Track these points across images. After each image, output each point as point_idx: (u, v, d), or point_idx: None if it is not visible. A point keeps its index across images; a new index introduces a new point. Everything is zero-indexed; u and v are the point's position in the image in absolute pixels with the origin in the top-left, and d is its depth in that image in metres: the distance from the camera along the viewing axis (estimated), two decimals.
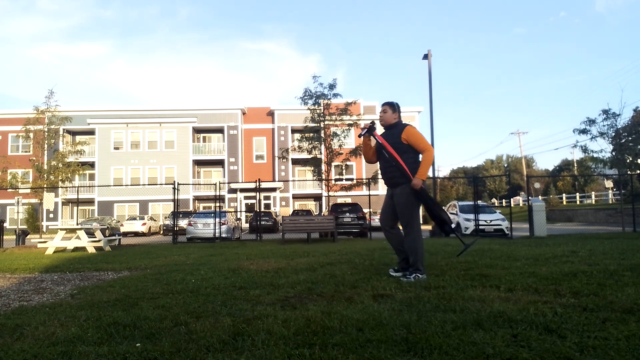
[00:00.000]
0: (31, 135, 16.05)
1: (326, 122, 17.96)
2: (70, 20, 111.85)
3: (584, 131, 16.86)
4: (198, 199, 37.75)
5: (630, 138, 16.95)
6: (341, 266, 5.70)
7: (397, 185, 4.54)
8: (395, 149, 4.44)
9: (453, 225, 4.80)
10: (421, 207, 4.69)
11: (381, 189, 36.95)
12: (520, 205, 41.00)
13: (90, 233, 12.42)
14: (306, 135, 18.78)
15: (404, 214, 4.50)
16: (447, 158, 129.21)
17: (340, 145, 17.90)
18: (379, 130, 4.56)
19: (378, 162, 4.72)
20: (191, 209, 34.02)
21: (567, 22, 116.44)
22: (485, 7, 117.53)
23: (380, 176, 16.89)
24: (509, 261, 5.93)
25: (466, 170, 78.50)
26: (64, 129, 24.87)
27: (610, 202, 34.07)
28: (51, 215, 35.27)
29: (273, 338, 2.42)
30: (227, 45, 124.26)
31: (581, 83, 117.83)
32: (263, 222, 20.70)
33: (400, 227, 4.67)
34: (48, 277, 5.86)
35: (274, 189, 36.91)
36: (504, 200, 54.85)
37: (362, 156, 4.79)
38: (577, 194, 42.17)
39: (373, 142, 4.70)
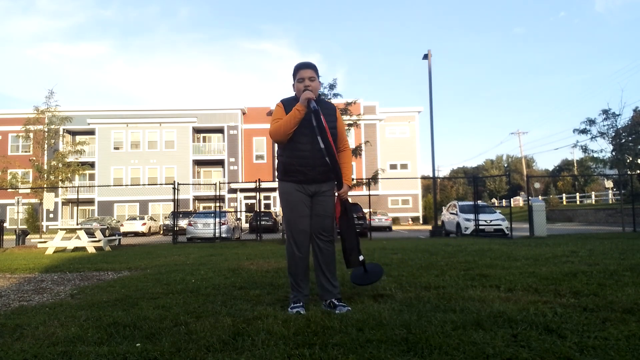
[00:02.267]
0: (31, 135, 16.03)
1: None
2: (70, 20, 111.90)
3: (584, 131, 16.89)
4: (198, 199, 37.73)
5: (630, 138, 16.96)
6: (341, 266, 5.70)
7: (327, 180, 3.31)
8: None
9: (361, 258, 3.51)
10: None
11: (381, 188, 37.02)
12: (521, 205, 41.01)
13: (90, 233, 12.42)
14: None
15: (333, 218, 3.35)
16: (447, 158, 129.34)
17: None
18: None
19: (293, 144, 3.20)
20: (191, 209, 34.02)
21: (567, 22, 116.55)
22: (485, 7, 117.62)
23: (380, 175, 17.00)
24: (509, 261, 5.94)
25: (466, 170, 78.52)
26: (64, 129, 24.87)
27: (610, 202, 34.08)
28: (51, 215, 35.26)
29: (273, 338, 2.41)
30: (227, 45, 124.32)
31: (581, 83, 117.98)
32: (263, 222, 20.70)
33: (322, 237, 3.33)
34: (48, 277, 5.86)
35: (274, 189, 36.88)
36: (504, 200, 54.85)
37: (276, 132, 3.15)
38: (577, 194, 42.18)
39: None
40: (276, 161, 3.37)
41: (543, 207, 14.30)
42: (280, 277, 4.88)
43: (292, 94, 3.43)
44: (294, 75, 3.31)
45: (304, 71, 3.26)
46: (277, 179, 3.37)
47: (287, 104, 3.24)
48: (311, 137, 3.19)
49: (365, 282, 3.68)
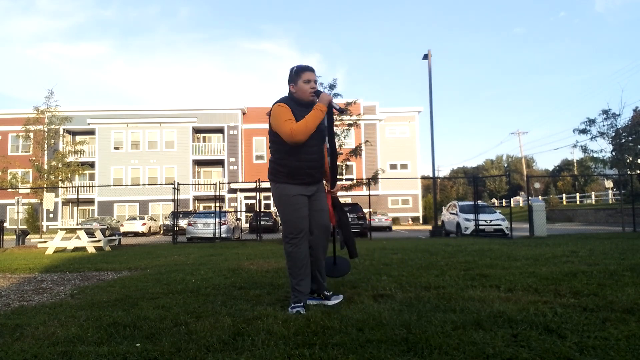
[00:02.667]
0: (31, 135, 16.03)
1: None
2: (70, 20, 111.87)
3: (584, 131, 16.88)
4: (198, 199, 37.73)
5: (630, 138, 16.95)
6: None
7: (322, 179, 3.48)
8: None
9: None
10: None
11: (381, 188, 36.99)
12: (520, 205, 41.01)
13: (90, 233, 12.41)
14: None
15: (327, 212, 3.53)
16: (447, 158, 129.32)
17: (340, 145, 17.85)
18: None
19: (308, 145, 3.20)
20: (191, 209, 34.01)
21: (567, 22, 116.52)
22: (485, 7, 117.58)
23: (380, 175, 16.99)
24: (509, 261, 5.94)
25: (466, 170, 78.53)
26: (64, 129, 24.86)
27: (610, 202, 34.07)
28: (51, 215, 35.26)
29: (273, 338, 2.42)
30: (227, 45, 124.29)
31: (581, 83, 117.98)
32: (263, 222, 20.69)
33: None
34: (48, 277, 5.86)
35: None
36: (504, 200, 54.84)
37: (302, 131, 3.06)
38: (577, 194, 42.17)
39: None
40: (273, 165, 3.29)
41: (543, 207, 14.30)
42: (280, 277, 4.88)
43: (285, 94, 3.35)
44: (298, 75, 3.25)
45: (311, 74, 3.25)
46: (275, 182, 3.30)
47: (289, 105, 3.20)
48: (318, 140, 3.25)
49: (333, 274, 3.79)
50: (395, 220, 35.07)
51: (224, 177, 37.53)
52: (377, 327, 2.55)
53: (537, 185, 48.51)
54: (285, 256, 3.30)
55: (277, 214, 24.22)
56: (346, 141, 18.38)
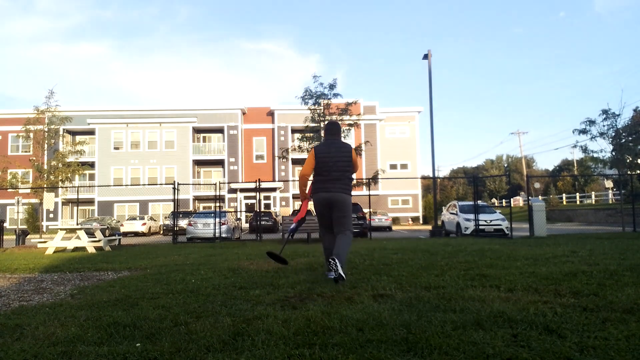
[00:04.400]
0: (31, 135, 16.05)
1: (326, 122, 17.91)
2: (70, 20, 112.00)
3: (583, 131, 16.88)
4: (198, 199, 37.72)
5: (630, 138, 16.96)
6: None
7: None
8: None
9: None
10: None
11: (381, 188, 37.01)
12: (521, 205, 40.99)
13: (90, 233, 12.41)
14: (306, 135, 18.71)
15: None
16: (447, 158, 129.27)
17: None
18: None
19: None
20: (191, 209, 34.00)
21: (567, 22, 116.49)
22: (485, 8, 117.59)
23: (380, 175, 16.99)
24: (509, 261, 5.94)
25: (466, 170, 78.50)
26: (64, 129, 24.87)
27: (610, 202, 34.07)
28: (51, 215, 35.24)
29: (273, 338, 2.42)
30: (227, 45, 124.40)
31: (581, 83, 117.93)
32: (263, 222, 20.69)
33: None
34: (48, 277, 5.86)
35: (274, 189, 36.88)
36: (504, 200, 54.85)
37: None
38: (577, 194, 42.16)
39: None
40: (349, 184, 4.80)
41: (543, 207, 14.29)
42: (280, 277, 4.88)
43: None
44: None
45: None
46: (350, 196, 4.78)
47: None
48: None
49: (277, 260, 5.29)
50: (395, 220, 35.06)
51: (224, 177, 37.53)
52: (377, 327, 2.55)
53: (537, 185, 48.51)
54: (349, 241, 4.55)
55: (276, 214, 25.12)
56: (346, 141, 18.34)
